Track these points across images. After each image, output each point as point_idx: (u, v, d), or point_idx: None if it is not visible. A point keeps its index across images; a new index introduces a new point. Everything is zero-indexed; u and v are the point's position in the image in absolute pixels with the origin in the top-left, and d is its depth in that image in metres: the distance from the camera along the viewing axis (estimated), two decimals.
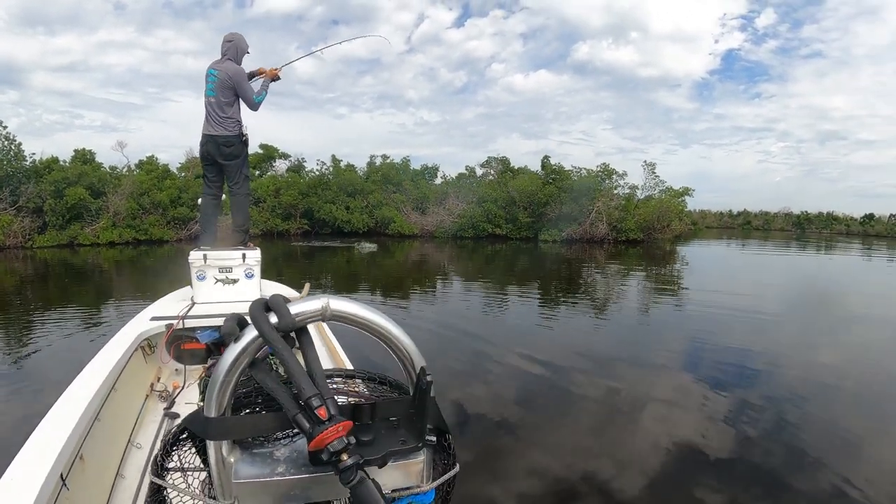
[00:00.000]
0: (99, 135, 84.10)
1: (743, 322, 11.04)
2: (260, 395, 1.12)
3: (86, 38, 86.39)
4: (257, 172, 35.93)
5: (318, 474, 1.02)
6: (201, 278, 5.06)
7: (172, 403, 3.77)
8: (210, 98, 5.27)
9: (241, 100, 5.39)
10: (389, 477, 1.08)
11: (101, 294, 14.12)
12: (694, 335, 9.88)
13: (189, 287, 5.25)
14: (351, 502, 0.98)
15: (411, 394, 1.14)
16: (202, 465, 1.09)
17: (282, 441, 1.09)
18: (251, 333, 0.99)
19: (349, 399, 1.16)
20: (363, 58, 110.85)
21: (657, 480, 4.54)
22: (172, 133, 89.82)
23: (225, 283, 5.13)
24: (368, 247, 25.87)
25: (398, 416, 1.13)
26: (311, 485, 1.04)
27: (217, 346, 4.19)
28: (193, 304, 4.87)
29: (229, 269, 5.11)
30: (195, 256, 5.02)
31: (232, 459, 1.02)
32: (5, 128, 25.41)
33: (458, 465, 1.21)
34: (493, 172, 42.06)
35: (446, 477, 1.18)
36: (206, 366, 4.11)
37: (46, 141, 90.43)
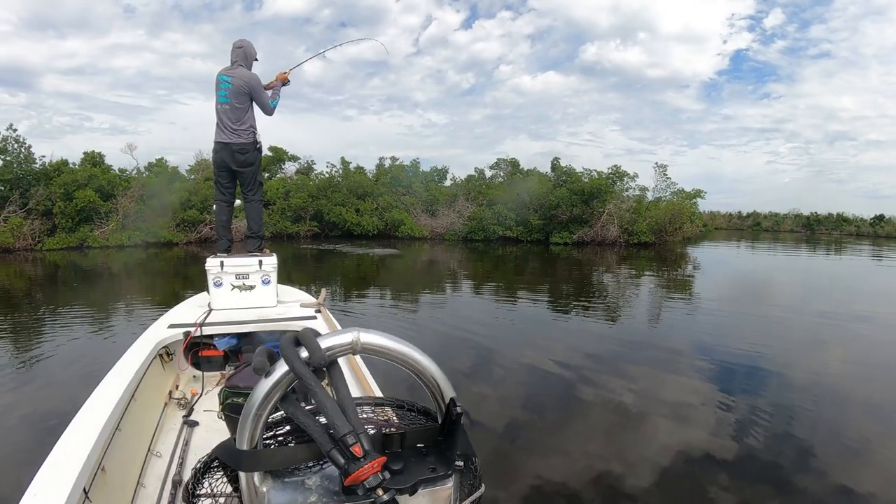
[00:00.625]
0: (108, 137, 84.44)
1: (753, 324, 10.99)
2: (290, 424, 1.12)
3: (95, 41, 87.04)
4: (266, 175, 35.87)
5: (347, 503, 1.01)
6: (218, 285, 5.07)
7: (191, 411, 3.87)
8: (224, 105, 5.22)
9: (255, 106, 5.38)
10: (418, 503, 1.08)
11: (112, 297, 14.03)
12: (704, 337, 9.84)
13: (205, 293, 5.28)
14: None
15: (439, 421, 1.16)
16: (233, 492, 1.11)
17: (312, 469, 1.08)
18: (282, 368, 0.99)
19: (379, 428, 1.15)
20: (371, 60, 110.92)
21: (666, 482, 4.53)
22: (181, 135, 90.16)
23: (242, 289, 5.13)
24: (385, 252, 25.13)
25: (427, 444, 1.14)
26: None
27: (235, 353, 4.60)
28: (211, 310, 4.84)
29: (246, 276, 5.11)
30: (212, 263, 5.03)
31: (264, 489, 1.02)
32: (15, 130, 25.53)
33: (483, 485, 1.21)
34: (502, 174, 41.87)
35: (472, 498, 1.17)
36: (224, 372, 4.50)
37: (56, 143, 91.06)
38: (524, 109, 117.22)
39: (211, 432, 3.58)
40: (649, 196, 36.13)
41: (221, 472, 1.13)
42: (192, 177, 32.94)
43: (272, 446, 1.11)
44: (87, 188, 25.51)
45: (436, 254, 27.17)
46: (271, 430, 1.12)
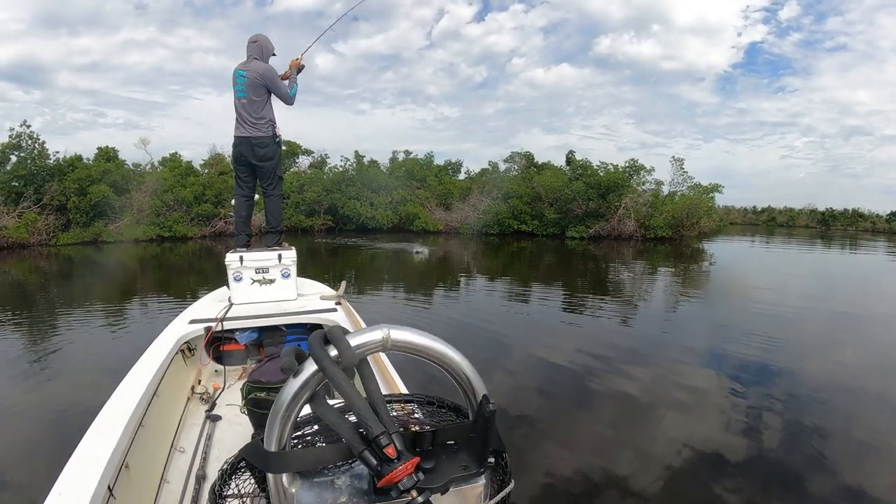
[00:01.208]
0: (122, 133, 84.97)
1: (768, 320, 10.82)
2: (318, 423, 1.11)
3: (107, 38, 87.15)
4: None
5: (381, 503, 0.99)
6: (238, 279, 5.09)
7: (214, 405, 3.91)
8: (241, 99, 5.20)
9: (273, 98, 5.36)
10: (449, 501, 1.05)
11: (129, 292, 14.04)
12: (719, 333, 9.81)
13: (225, 288, 5.28)
14: None
15: (470, 417, 1.14)
16: (260, 493, 1.10)
17: (341, 468, 1.05)
18: (311, 368, 0.96)
19: (410, 426, 1.12)
20: (383, 53, 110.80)
21: (678, 476, 4.56)
22: (195, 130, 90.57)
23: (262, 283, 5.15)
24: (420, 251, 23.56)
25: (458, 441, 1.11)
26: None
27: (256, 347, 4.67)
28: (231, 305, 4.89)
29: (266, 270, 5.13)
30: (231, 258, 5.05)
31: (293, 490, 0.99)
32: (28, 127, 25.55)
33: (513, 481, 1.17)
34: (516, 167, 41.42)
35: (502, 495, 1.14)
36: (246, 366, 4.60)
37: (70, 139, 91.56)
38: (537, 103, 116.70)
39: (234, 426, 3.63)
40: (665, 190, 35.55)
41: (248, 473, 1.12)
42: (206, 171, 32.90)
43: (299, 447, 1.08)
44: (101, 183, 25.57)
45: (450, 247, 27.05)
46: (299, 430, 1.10)
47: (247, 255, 5.07)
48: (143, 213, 26.90)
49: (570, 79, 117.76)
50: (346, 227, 34.65)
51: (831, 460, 4.85)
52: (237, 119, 5.26)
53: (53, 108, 75.31)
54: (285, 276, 5.19)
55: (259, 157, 5.33)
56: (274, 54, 5.41)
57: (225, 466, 1.12)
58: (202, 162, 34.37)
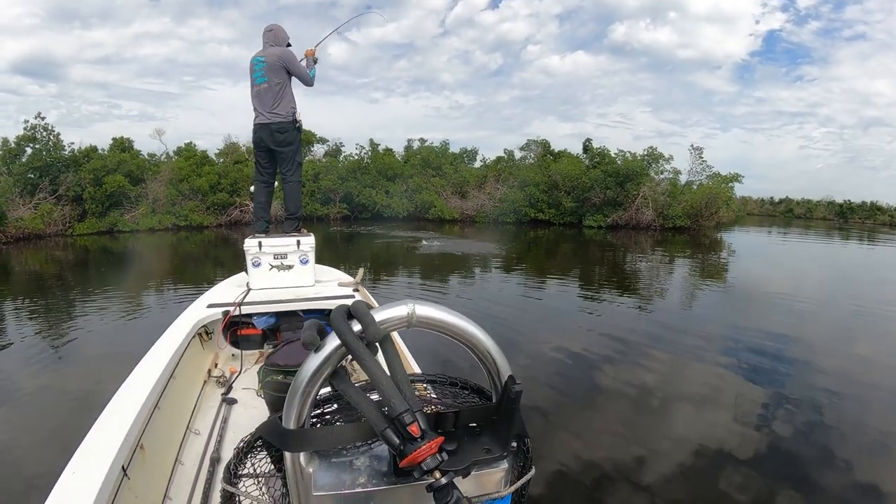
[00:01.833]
0: (137, 124, 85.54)
1: (784, 313, 10.74)
2: (337, 402, 1.09)
3: (121, 30, 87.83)
4: None
5: (399, 485, 0.98)
6: (256, 265, 5.11)
7: (230, 389, 3.92)
8: (262, 85, 5.20)
9: (293, 82, 5.34)
10: (469, 485, 1.02)
11: (145, 279, 14.08)
12: (735, 326, 9.62)
13: (244, 273, 5.37)
14: None
15: (494, 400, 1.10)
16: (276, 473, 1.08)
17: (360, 448, 1.04)
18: (333, 343, 0.94)
19: (432, 407, 1.11)
20: (397, 42, 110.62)
21: (688, 467, 4.56)
22: (209, 120, 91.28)
23: (280, 269, 5.17)
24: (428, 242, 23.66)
25: (480, 423, 1.09)
26: (392, 496, 0.99)
27: (273, 332, 4.70)
28: (249, 290, 4.94)
29: (284, 256, 5.15)
30: (250, 244, 5.06)
31: (310, 469, 0.98)
32: (43, 119, 25.59)
33: (533, 467, 1.15)
34: (532, 155, 41.15)
35: (523, 480, 1.12)
36: (263, 351, 4.60)
37: (85, 131, 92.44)
38: (553, 90, 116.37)
39: (249, 410, 3.65)
40: (683, 179, 35.09)
41: (265, 452, 1.09)
42: (221, 160, 32.90)
43: (318, 426, 1.05)
44: (117, 173, 25.68)
45: (466, 235, 26.88)
46: (318, 409, 1.06)
47: (265, 241, 5.07)
48: (158, 203, 27.00)
49: (586, 66, 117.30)
50: (362, 216, 34.53)
51: (845, 458, 4.78)
52: (256, 106, 5.27)
53: (68, 101, 76.04)
54: (303, 262, 5.20)
55: (279, 143, 5.32)
56: (289, 44, 5.41)
57: (241, 444, 1.10)
58: (217, 151, 34.37)
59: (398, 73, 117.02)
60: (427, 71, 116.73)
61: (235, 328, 4.51)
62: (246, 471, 1.10)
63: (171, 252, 20.89)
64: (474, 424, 1.09)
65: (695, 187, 33.84)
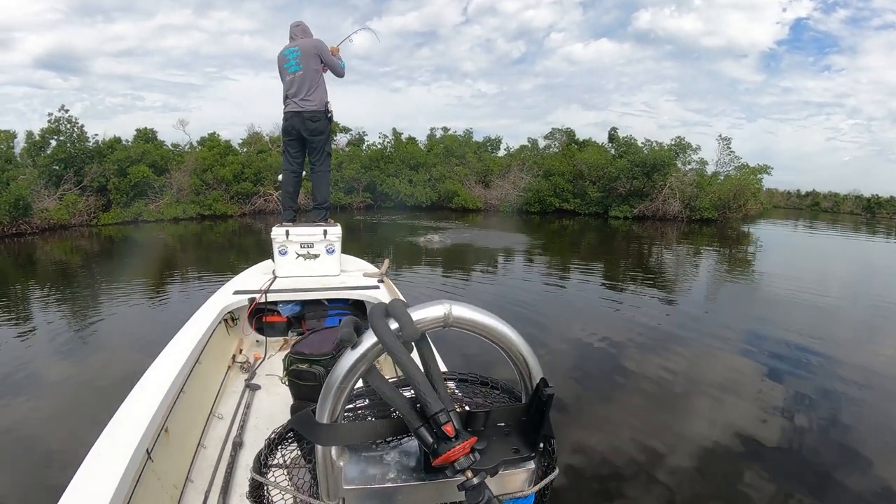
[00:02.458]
0: (160, 115, 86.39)
1: (810, 309, 10.52)
2: (368, 398, 1.11)
3: (143, 23, 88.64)
4: None
5: (428, 482, 1.00)
6: (283, 253, 5.20)
7: (253, 375, 4.01)
8: (297, 73, 5.30)
9: (325, 71, 5.46)
10: (494, 484, 1.01)
11: (170, 268, 14.37)
12: (760, 320, 9.45)
13: (270, 261, 5.43)
14: None
15: (523, 401, 1.12)
16: (304, 464, 1.10)
17: (390, 444, 1.06)
18: (370, 340, 0.95)
19: (463, 406, 1.12)
20: (419, 30, 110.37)
21: (707, 463, 4.55)
22: (232, 110, 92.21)
23: (306, 258, 5.25)
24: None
25: (509, 423, 1.10)
26: (421, 492, 1.01)
27: (297, 320, 4.82)
28: (275, 277, 5.03)
29: (311, 245, 5.23)
30: (277, 232, 5.16)
31: (341, 463, 1.00)
32: (67, 111, 25.82)
33: (557, 468, 1.15)
34: (556, 144, 40.70)
35: (547, 480, 1.13)
36: (287, 338, 4.74)
37: (109, 123, 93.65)
38: (576, 79, 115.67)
39: (272, 396, 3.71)
40: (710, 170, 34.33)
41: (295, 444, 1.12)
42: (245, 150, 33.02)
43: (349, 420, 1.06)
44: (141, 164, 25.81)
45: (490, 225, 26.65)
46: (350, 403, 1.08)
47: (293, 230, 5.16)
48: (182, 192, 27.10)
49: (610, 54, 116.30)
50: (385, 205, 34.36)
51: (867, 457, 4.70)
52: (288, 95, 5.35)
53: (92, 94, 76.86)
54: (330, 251, 5.27)
55: (311, 131, 5.41)
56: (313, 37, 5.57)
57: (272, 436, 1.12)
58: (240, 141, 34.52)
59: (420, 61, 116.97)
60: (449, 59, 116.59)
61: (261, 315, 4.60)
62: (276, 461, 1.13)
63: (196, 241, 20.99)
64: (502, 424, 1.09)
65: (721, 178, 33.18)
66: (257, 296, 4.47)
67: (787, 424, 5.30)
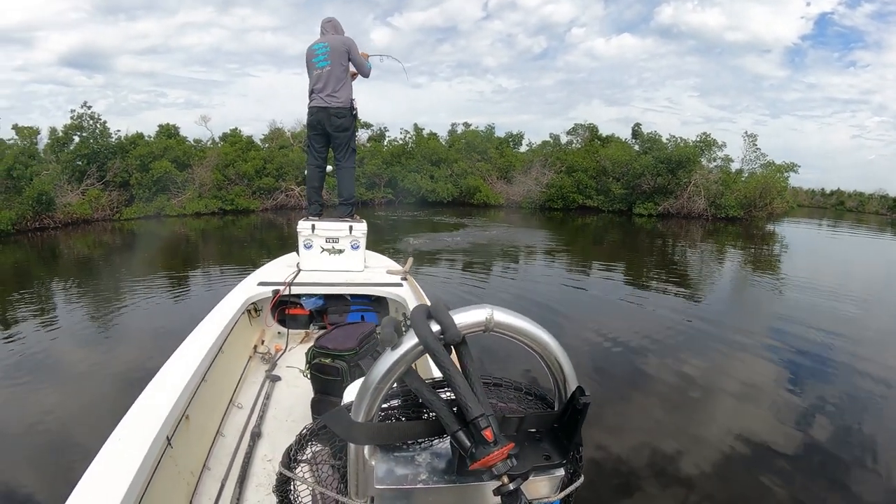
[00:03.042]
0: (183, 112, 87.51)
1: (835, 312, 10.26)
2: (401, 398, 1.09)
3: (166, 20, 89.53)
4: None
5: (459, 485, 0.99)
6: (308, 247, 5.27)
7: (274, 366, 4.09)
8: (324, 68, 5.33)
9: (352, 69, 5.51)
10: (523, 489, 0.97)
11: (192, 261, 14.72)
12: (782, 322, 9.28)
13: (294, 254, 5.52)
14: None
15: (556, 407, 1.12)
16: (333, 462, 1.10)
17: (421, 445, 1.06)
18: (411, 341, 0.94)
19: (498, 409, 1.09)
20: (440, 26, 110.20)
21: (724, 466, 4.52)
22: (254, 107, 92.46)
23: (331, 252, 5.31)
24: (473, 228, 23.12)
25: (541, 430, 1.09)
26: (451, 494, 1.00)
27: (320, 314, 4.94)
28: (299, 271, 5.08)
29: (336, 240, 5.29)
30: (304, 226, 5.23)
31: (373, 463, 1.00)
32: (90, 107, 26.05)
33: (582, 476, 1.14)
34: (579, 140, 40.33)
35: (573, 487, 1.13)
36: (309, 331, 4.88)
37: (133, 119, 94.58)
38: (598, 74, 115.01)
39: (291, 388, 3.76)
40: (735, 167, 33.85)
41: (327, 441, 1.11)
42: (267, 145, 33.02)
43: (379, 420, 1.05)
44: (163, 159, 25.96)
45: (512, 222, 26.37)
46: (385, 403, 1.04)
47: (319, 224, 5.24)
48: (205, 188, 27.14)
49: (632, 49, 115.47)
50: (406, 201, 34.14)
51: (887, 462, 4.68)
52: (314, 90, 5.39)
53: (116, 91, 77.55)
54: (354, 247, 5.32)
55: (336, 127, 5.45)
56: (344, 34, 5.60)
57: (304, 431, 1.12)
58: (262, 137, 34.53)
59: (441, 57, 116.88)
60: (470, 55, 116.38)
61: (284, 307, 4.70)
62: (305, 456, 1.12)
63: (218, 235, 21.08)
64: (533, 430, 1.08)
65: (745, 176, 32.69)
66: (281, 288, 4.53)
67: (807, 428, 5.26)
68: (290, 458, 1.11)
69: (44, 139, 25.21)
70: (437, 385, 1.02)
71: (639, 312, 9.72)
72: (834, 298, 11.32)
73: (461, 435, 0.91)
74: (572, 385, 1.07)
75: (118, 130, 27.23)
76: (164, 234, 20.85)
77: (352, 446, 0.98)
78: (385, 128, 39.19)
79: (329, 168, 5.87)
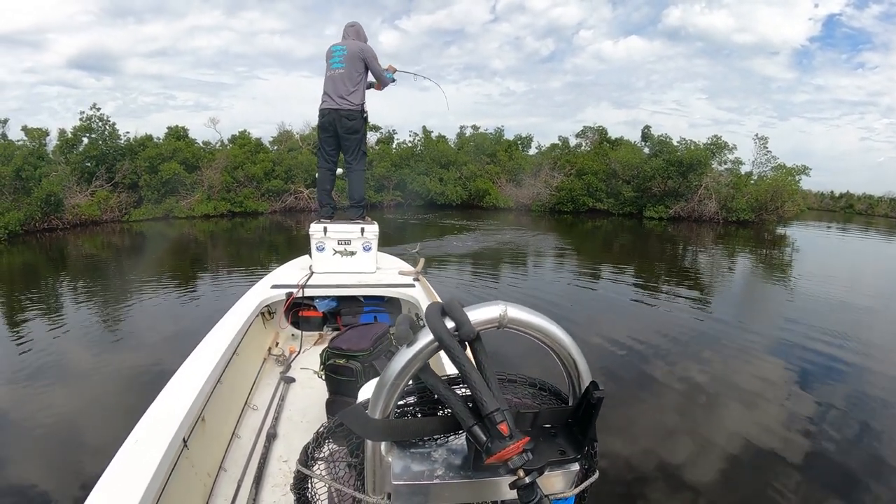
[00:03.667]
0: (192, 114, 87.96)
1: (846, 315, 10.26)
2: (416, 395, 1.09)
3: (174, 24, 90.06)
4: None
5: (475, 480, 0.99)
6: (321, 249, 5.32)
7: (288, 367, 4.14)
8: (338, 70, 5.41)
9: (367, 76, 5.59)
10: (539, 485, 0.98)
11: (202, 264, 14.75)
12: (793, 326, 9.13)
13: (307, 256, 5.55)
14: None
15: (570, 403, 1.12)
16: (349, 458, 1.12)
17: (437, 441, 1.06)
18: (426, 338, 0.94)
19: (511, 406, 1.05)
20: (448, 28, 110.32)
21: (731, 472, 4.49)
22: (263, 109, 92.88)
23: (343, 254, 5.36)
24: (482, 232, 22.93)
25: (555, 425, 1.10)
26: (467, 489, 1.00)
27: (333, 315, 4.99)
28: (312, 273, 5.13)
29: (348, 242, 5.34)
30: (316, 228, 5.27)
31: (390, 459, 1.00)
32: (98, 109, 26.19)
33: (597, 472, 1.14)
34: (588, 143, 40.19)
35: (588, 483, 1.12)
36: (322, 332, 4.96)
37: (142, 121, 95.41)
38: (606, 76, 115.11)
39: (306, 389, 3.80)
40: (746, 170, 33.46)
41: (344, 438, 1.12)
42: (276, 148, 33.10)
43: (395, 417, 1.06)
44: (172, 161, 26.05)
45: (522, 225, 26.27)
46: (401, 400, 1.06)
47: (331, 227, 5.29)
48: (213, 190, 27.20)
49: (640, 52, 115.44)
50: (415, 203, 34.16)
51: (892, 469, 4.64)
52: (326, 92, 5.47)
53: (125, 93, 78.17)
54: (366, 249, 5.38)
55: (346, 130, 5.50)
56: (366, 40, 5.70)
57: (321, 430, 1.12)
58: (271, 139, 34.58)
59: (449, 59, 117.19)
60: (478, 57, 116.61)
61: (297, 309, 4.75)
62: (322, 454, 1.12)
63: (227, 238, 21.09)
64: (548, 426, 1.08)
65: (753, 179, 32.46)
66: (295, 290, 4.58)
67: (817, 433, 5.22)
68: (308, 456, 1.12)
69: (53, 140, 25.40)
70: (451, 381, 1.03)
71: (649, 315, 9.72)
72: (845, 302, 11.27)
73: (477, 429, 0.92)
74: (586, 380, 1.07)
75: (127, 132, 27.45)
76: (173, 235, 20.90)
77: (368, 443, 0.99)
78: (394, 130, 39.12)
79: (339, 170, 5.92)
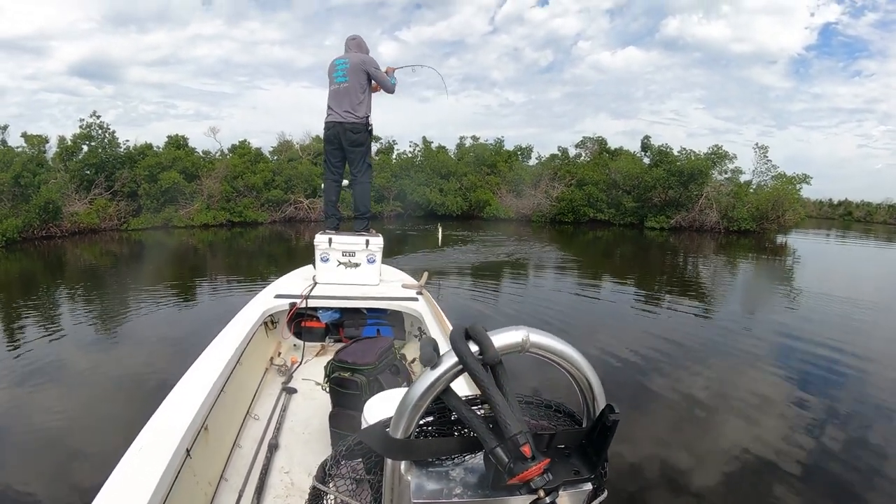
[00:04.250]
0: (192, 123, 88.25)
1: (847, 323, 10.27)
2: (434, 416, 1.08)
3: (176, 33, 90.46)
4: None
5: (493, 499, 1.00)
6: (325, 260, 5.34)
7: (290, 378, 4.11)
8: (342, 84, 5.45)
9: (372, 87, 5.63)
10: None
11: (201, 273, 14.69)
12: (795, 335, 9.08)
13: (311, 266, 5.64)
14: None
15: (584, 424, 1.13)
16: (366, 476, 1.12)
17: (455, 460, 1.07)
18: (450, 360, 0.95)
19: (529, 428, 1.05)
20: (447, 40, 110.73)
21: (732, 479, 4.50)
22: (263, 119, 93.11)
23: (347, 266, 5.38)
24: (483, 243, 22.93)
25: (570, 446, 1.11)
26: None
27: (336, 327, 5.01)
28: (316, 284, 5.14)
29: (352, 254, 5.35)
30: (321, 239, 5.29)
31: (409, 478, 1.00)
32: (99, 117, 26.27)
33: (606, 491, 1.14)
34: (587, 153, 40.27)
35: (597, 501, 1.12)
36: (325, 344, 4.94)
37: (142, 130, 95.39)
38: (604, 87, 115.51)
39: (308, 400, 3.78)
40: (742, 179, 33.42)
41: (361, 455, 1.13)
42: (276, 158, 33.06)
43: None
44: (172, 170, 25.97)
45: (523, 235, 26.17)
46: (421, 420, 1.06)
47: (336, 238, 5.31)
48: (213, 199, 27.16)
49: (638, 62, 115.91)
50: (416, 214, 34.10)
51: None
52: (331, 106, 5.50)
53: (126, 101, 78.26)
54: (370, 261, 5.39)
55: (351, 142, 5.55)
56: (368, 52, 5.74)
57: (341, 448, 1.13)
58: (271, 149, 34.55)
59: (448, 70, 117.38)
60: (477, 68, 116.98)
61: (300, 320, 4.74)
62: (340, 472, 1.13)
63: (226, 247, 21.04)
64: (562, 447, 1.10)
65: (752, 188, 32.54)
66: (298, 301, 4.61)
67: (820, 441, 5.21)
68: (325, 473, 1.13)
69: (52, 148, 25.39)
70: (470, 402, 1.03)
71: (651, 325, 9.68)
72: (846, 310, 11.26)
73: (500, 451, 0.92)
74: (601, 402, 1.08)
75: (127, 140, 27.48)
76: (172, 245, 20.84)
77: (388, 462, 1.00)
78: (394, 140, 39.18)
79: (345, 182, 5.95)
